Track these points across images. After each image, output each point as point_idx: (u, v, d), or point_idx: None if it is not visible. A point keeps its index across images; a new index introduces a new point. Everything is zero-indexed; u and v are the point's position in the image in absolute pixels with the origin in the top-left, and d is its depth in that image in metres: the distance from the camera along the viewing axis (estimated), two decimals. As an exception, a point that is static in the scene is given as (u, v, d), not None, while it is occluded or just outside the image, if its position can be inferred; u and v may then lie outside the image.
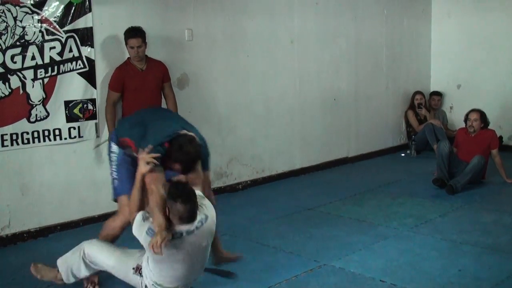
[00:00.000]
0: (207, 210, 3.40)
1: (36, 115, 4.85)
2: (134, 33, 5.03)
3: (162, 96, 5.40)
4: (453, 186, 6.06)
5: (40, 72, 4.84)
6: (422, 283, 3.79)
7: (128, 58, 5.18)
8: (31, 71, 4.79)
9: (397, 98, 8.75)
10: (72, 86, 5.04)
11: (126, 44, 5.08)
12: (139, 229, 3.28)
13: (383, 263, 4.18)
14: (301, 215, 5.51)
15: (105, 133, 5.29)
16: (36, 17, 4.78)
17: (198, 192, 3.44)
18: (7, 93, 4.68)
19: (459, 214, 5.45)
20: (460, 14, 8.83)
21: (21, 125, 4.78)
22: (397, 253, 4.39)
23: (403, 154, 8.56)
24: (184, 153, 3.39)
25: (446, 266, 4.10)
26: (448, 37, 9.00)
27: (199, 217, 3.30)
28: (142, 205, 3.39)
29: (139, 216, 3.33)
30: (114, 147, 3.83)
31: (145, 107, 5.01)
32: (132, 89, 5.10)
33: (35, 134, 4.87)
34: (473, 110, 6.57)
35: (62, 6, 4.90)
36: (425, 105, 8.73)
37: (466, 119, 6.58)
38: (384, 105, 8.54)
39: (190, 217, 3.23)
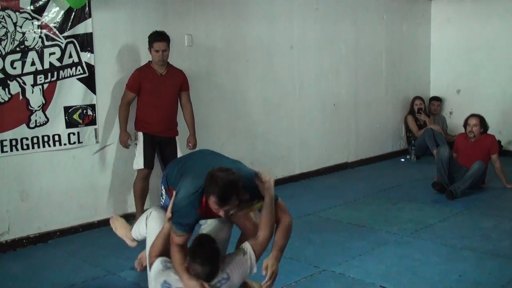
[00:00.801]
0: (233, 270, 3.22)
1: (36, 120, 4.85)
2: (161, 37, 5.06)
3: (179, 105, 5.41)
4: (453, 191, 6.06)
5: (40, 77, 4.84)
6: (422, 289, 3.79)
7: (149, 61, 5.19)
8: (31, 77, 4.79)
9: (396, 104, 8.76)
10: (72, 92, 5.04)
11: (151, 47, 5.07)
12: (156, 277, 3.23)
13: (383, 268, 4.18)
14: (301, 220, 5.50)
15: (110, 138, 5.35)
16: (36, 22, 4.78)
17: (246, 245, 3.29)
18: (6, 99, 4.68)
19: (459, 220, 5.45)
20: (459, 19, 8.85)
21: (21, 131, 4.78)
22: (397, 258, 4.38)
23: (403, 160, 8.55)
24: (214, 181, 3.05)
25: (446, 271, 4.09)
26: (448, 42, 9.02)
27: (220, 277, 3.17)
28: (164, 253, 3.32)
29: (158, 263, 3.26)
30: (163, 191, 3.71)
31: (159, 111, 5.15)
32: (148, 92, 5.11)
33: (35, 140, 4.86)
34: (472, 115, 6.56)
35: (62, 12, 4.90)
36: (425, 111, 8.73)
37: (466, 124, 6.57)
38: (383, 111, 8.54)
39: (207, 278, 3.12)
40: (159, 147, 5.29)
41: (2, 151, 4.68)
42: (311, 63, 7.30)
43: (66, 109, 5.02)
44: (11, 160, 4.76)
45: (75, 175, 5.17)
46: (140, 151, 5.18)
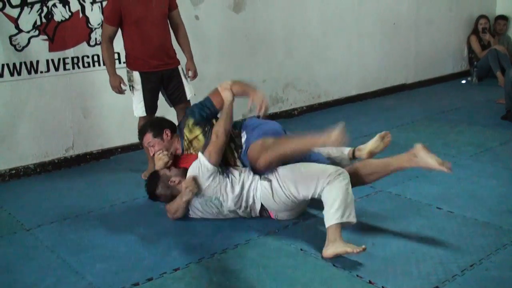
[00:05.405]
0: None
1: (96, 38, 4.91)
2: None
3: (170, 29, 4.48)
4: (516, 114, 5.88)
5: (98, -5, 4.86)
6: (479, 211, 3.74)
7: None
8: (90, -6, 4.82)
9: (460, 22, 8.41)
10: (130, 10, 5.04)
11: None
12: None
13: (440, 190, 4.14)
14: (357, 141, 5.41)
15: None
16: None
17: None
18: (67, 17, 4.73)
19: (521, 143, 5.30)
20: None
21: (82, 49, 4.86)
22: (455, 181, 4.32)
23: (463, 81, 8.30)
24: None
25: (506, 194, 4.03)
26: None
27: None
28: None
29: None
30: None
31: (149, 42, 4.26)
32: (132, 21, 4.19)
33: (95, 58, 4.94)
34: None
35: None
36: (490, 30, 8.35)
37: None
38: (446, 30, 8.22)
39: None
40: (162, 83, 4.42)
41: (65, 69, 4.80)
42: (371, -20, 7.03)
43: (125, 27, 5.04)
44: (73, 78, 4.88)
45: (135, 93, 5.24)
46: (138, 95, 4.36)
